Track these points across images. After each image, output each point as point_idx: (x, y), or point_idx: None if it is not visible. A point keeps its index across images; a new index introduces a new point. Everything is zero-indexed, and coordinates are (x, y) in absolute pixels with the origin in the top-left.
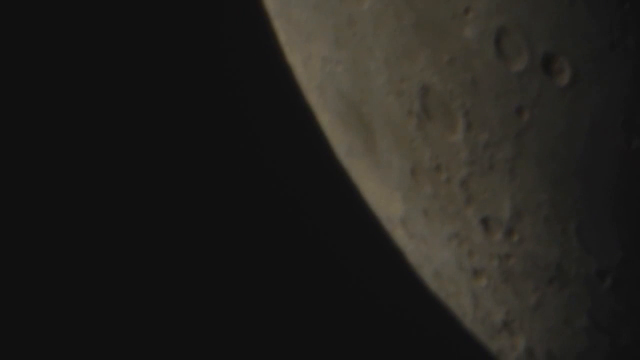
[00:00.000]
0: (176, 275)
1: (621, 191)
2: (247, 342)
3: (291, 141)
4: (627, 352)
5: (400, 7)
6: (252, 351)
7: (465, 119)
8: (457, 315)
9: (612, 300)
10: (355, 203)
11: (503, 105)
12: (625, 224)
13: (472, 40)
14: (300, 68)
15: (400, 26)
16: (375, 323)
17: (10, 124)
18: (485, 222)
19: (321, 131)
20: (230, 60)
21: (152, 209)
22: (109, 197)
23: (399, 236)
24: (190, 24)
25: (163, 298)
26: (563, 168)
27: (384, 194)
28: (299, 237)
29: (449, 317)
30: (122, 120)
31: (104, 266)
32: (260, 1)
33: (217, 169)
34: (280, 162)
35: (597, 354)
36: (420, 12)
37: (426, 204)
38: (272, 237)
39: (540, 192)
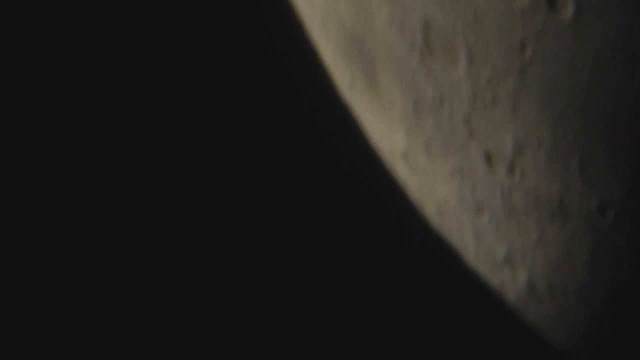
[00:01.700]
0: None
1: (624, 127)
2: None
3: (293, 74)
4: (628, 287)
5: None
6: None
7: (467, 54)
8: (459, 251)
9: (613, 235)
10: (356, 137)
11: (506, 41)
12: (628, 160)
13: None
14: (303, 2)
15: None
16: (376, 259)
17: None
18: (487, 157)
19: (323, 65)
20: None
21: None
22: (108, 196)
23: (401, 171)
24: None
25: (162, 294)
26: (566, 103)
27: (385, 128)
28: (298, 172)
29: (451, 252)
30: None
31: (99, 265)
32: None
33: (219, 103)
34: (283, 95)
35: (597, 289)
36: None
37: (428, 139)
38: (270, 171)
39: (543, 127)
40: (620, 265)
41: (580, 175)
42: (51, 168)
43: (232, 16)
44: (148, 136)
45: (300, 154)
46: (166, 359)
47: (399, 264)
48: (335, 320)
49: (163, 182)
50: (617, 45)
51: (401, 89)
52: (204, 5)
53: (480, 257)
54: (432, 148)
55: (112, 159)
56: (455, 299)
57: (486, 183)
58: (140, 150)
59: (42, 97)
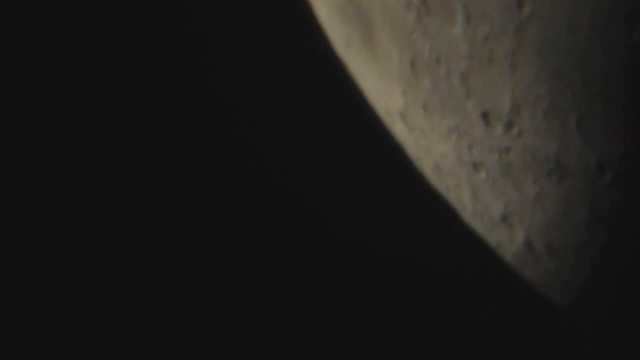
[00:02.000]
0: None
1: (621, 84)
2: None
3: (289, 33)
4: (625, 244)
5: None
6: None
7: (464, 11)
8: (457, 208)
9: (611, 192)
10: (353, 96)
11: None
12: (626, 117)
13: None
14: None
15: None
16: (373, 216)
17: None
18: (485, 116)
19: (319, 24)
20: None
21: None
22: (115, 195)
23: (399, 130)
24: None
25: (162, 290)
26: (563, 61)
27: (383, 87)
28: (294, 132)
29: (448, 210)
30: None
31: (97, 265)
32: None
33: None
34: (279, 54)
35: (595, 246)
36: None
37: (426, 97)
38: (266, 132)
39: (540, 85)
40: (618, 222)
41: (579, 133)
42: (54, 168)
43: None
44: (150, 130)
45: (296, 114)
46: (168, 357)
47: (397, 222)
48: (334, 273)
49: (164, 169)
50: (614, 2)
51: (398, 47)
52: None
53: (478, 215)
54: (429, 107)
55: (118, 158)
56: (452, 256)
57: (483, 141)
58: (147, 146)
59: (45, 97)
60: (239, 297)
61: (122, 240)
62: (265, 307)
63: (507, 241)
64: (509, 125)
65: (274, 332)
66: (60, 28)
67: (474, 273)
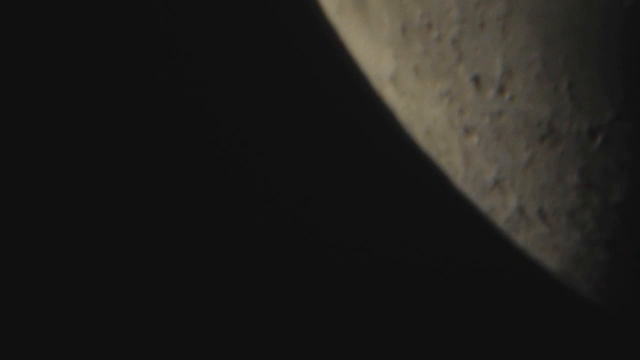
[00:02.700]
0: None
1: (613, 48)
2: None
3: (281, 0)
4: (618, 209)
5: None
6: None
7: None
8: (448, 174)
9: (603, 157)
10: (344, 61)
11: None
12: (618, 82)
13: None
14: None
15: None
16: (364, 181)
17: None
18: (476, 80)
19: None
20: None
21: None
22: (107, 196)
23: (389, 94)
24: None
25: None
26: (555, 25)
27: (374, 51)
28: (286, 98)
29: (439, 175)
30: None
31: (97, 265)
32: None
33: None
34: (270, 21)
35: (588, 211)
36: None
37: (417, 61)
38: (260, 93)
39: (532, 50)
40: (610, 187)
41: (570, 98)
42: (49, 168)
43: None
44: (145, 133)
45: (286, 80)
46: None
47: (389, 189)
48: (323, 244)
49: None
50: None
51: (389, 12)
52: None
53: (470, 180)
54: (420, 71)
55: (115, 158)
56: (444, 222)
57: (475, 106)
58: (142, 146)
59: (39, 97)
60: (237, 297)
61: (118, 240)
62: (263, 303)
63: (499, 206)
64: (500, 90)
65: (273, 332)
66: (51, 28)
67: (466, 238)
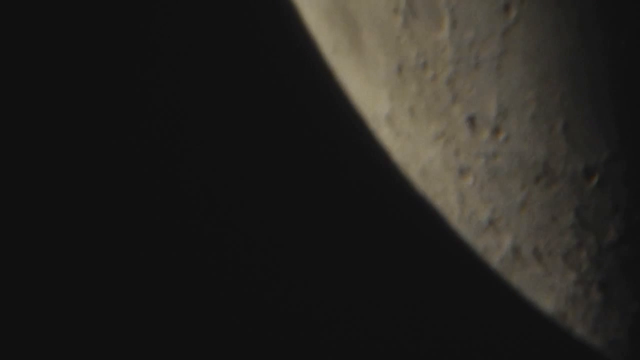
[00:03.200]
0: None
1: (609, 88)
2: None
3: (276, 39)
4: (613, 249)
5: None
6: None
7: (451, 16)
8: (444, 214)
9: (598, 197)
10: (340, 101)
11: (490, 2)
12: (613, 122)
13: None
14: None
15: None
16: (360, 222)
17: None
18: (471, 121)
19: (307, 29)
20: None
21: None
22: (103, 196)
23: (385, 135)
24: None
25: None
26: (551, 65)
27: (369, 92)
28: (284, 136)
29: (435, 215)
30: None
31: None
32: None
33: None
34: (266, 60)
35: (583, 252)
36: None
37: (412, 102)
38: (255, 133)
39: (527, 90)
40: (606, 227)
41: (566, 138)
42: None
43: None
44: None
45: (282, 119)
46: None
47: (384, 230)
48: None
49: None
50: (601, 7)
51: (385, 52)
52: None
53: (465, 220)
54: (416, 112)
55: (114, 158)
56: (439, 261)
57: (470, 146)
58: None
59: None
60: (236, 297)
61: (111, 240)
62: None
63: (494, 246)
64: (495, 130)
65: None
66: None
67: (461, 278)
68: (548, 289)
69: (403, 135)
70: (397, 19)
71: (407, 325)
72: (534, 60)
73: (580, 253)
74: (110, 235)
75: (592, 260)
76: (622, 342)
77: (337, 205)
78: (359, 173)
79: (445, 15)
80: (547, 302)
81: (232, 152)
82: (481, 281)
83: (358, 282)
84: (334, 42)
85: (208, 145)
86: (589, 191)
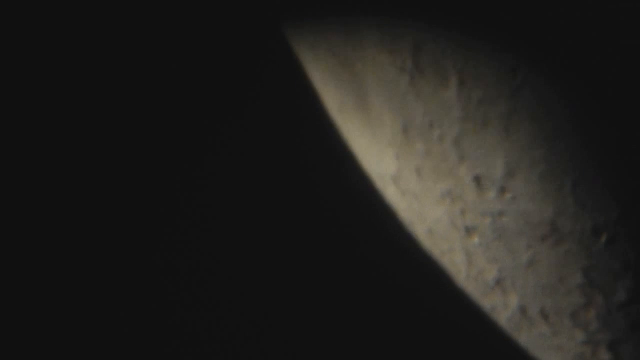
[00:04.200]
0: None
1: (618, 147)
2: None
3: (282, 98)
4: (622, 309)
5: None
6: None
7: (458, 75)
8: (451, 273)
9: (607, 257)
10: (346, 160)
11: (498, 64)
12: (622, 181)
13: None
14: (290, 28)
15: None
16: (367, 282)
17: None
18: (477, 180)
19: (313, 88)
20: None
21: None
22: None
23: (392, 194)
24: None
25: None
26: (559, 124)
27: (376, 150)
28: (289, 196)
29: (442, 274)
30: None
31: (98, 266)
32: None
33: (210, 123)
34: (271, 120)
35: (591, 311)
36: None
37: (419, 161)
38: (261, 190)
39: (536, 149)
40: (614, 287)
41: (574, 197)
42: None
43: (221, 42)
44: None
45: (289, 179)
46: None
47: (392, 289)
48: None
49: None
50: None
51: (391, 111)
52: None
53: (472, 279)
54: (422, 171)
55: (115, 158)
56: (446, 321)
57: (476, 206)
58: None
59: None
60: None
61: (116, 240)
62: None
63: (501, 306)
64: (502, 190)
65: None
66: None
67: (469, 337)
68: (556, 348)
69: (409, 194)
70: (404, 77)
71: None
72: (543, 120)
73: (588, 313)
74: (110, 235)
75: (600, 320)
76: None
77: (342, 265)
78: (365, 232)
79: (452, 74)
80: None
81: (238, 211)
82: (489, 340)
83: (367, 342)
84: (340, 101)
85: (217, 202)
86: (597, 250)
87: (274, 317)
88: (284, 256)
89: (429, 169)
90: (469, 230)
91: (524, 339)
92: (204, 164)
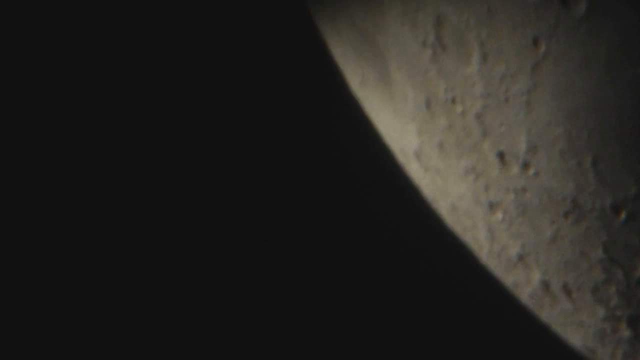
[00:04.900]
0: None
1: (637, 124)
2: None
3: (304, 73)
4: None
5: None
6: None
7: (480, 50)
8: (473, 249)
9: (627, 232)
10: (368, 135)
11: (519, 36)
12: None
13: None
14: (312, 1)
15: None
16: (390, 257)
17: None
18: (501, 156)
19: (334, 62)
20: None
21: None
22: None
23: (414, 169)
24: None
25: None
26: (579, 100)
27: (398, 126)
28: (311, 171)
29: (464, 251)
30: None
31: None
32: None
33: (228, 103)
34: (293, 94)
35: (612, 287)
36: None
37: (441, 137)
38: (284, 167)
39: (556, 126)
40: (634, 262)
41: (594, 174)
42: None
43: (241, 15)
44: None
45: (311, 152)
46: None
47: (414, 265)
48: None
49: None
50: (630, 40)
51: (413, 86)
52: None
53: (494, 255)
54: (445, 146)
55: (117, 159)
56: (469, 296)
57: (499, 182)
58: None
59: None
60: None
61: (118, 240)
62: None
63: (524, 282)
64: (525, 166)
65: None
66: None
67: (491, 313)
68: (577, 325)
69: (432, 170)
70: (426, 52)
71: (435, 358)
72: (563, 96)
73: (609, 288)
74: (111, 235)
75: (620, 295)
76: None
77: (365, 241)
78: (387, 208)
79: (474, 49)
80: (575, 338)
81: (257, 181)
82: (511, 316)
83: (386, 316)
84: (362, 76)
85: (239, 174)
86: (617, 226)
87: (297, 289)
88: (305, 231)
89: (451, 144)
90: (493, 206)
91: (546, 315)
92: (224, 140)
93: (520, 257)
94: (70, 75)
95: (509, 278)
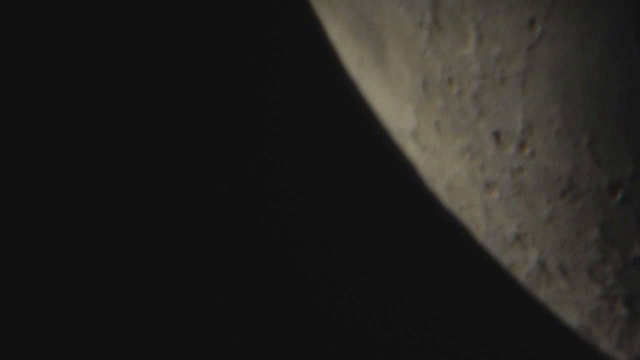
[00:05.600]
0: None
1: (634, 104)
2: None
3: (301, 53)
4: (638, 264)
5: None
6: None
7: (476, 31)
8: (470, 229)
9: (623, 212)
10: (366, 115)
11: (515, 17)
12: (638, 137)
13: None
14: None
15: None
16: (387, 237)
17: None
18: (497, 136)
19: (331, 43)
20: None
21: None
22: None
23: (411, 149)
24: None
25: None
26: (575, 81)
27: (395, 106)
28: (308, 152)
29: (461, 230)
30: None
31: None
32: None
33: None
34: (290, 75)
35: (608, 266)
36: None
37: (438, 117)
38: (279, 151)
39: (552, 106)
40: (630, 242)
41: (590, 154)
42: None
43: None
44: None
45: (309, 133)
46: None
47: (410, 244)
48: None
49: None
50: (627, 21)
51: (410, 67)
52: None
53: (491, 234)
54: (441, 126)
55: (118, 159)
56: (465, 276)
57: (496, 161)
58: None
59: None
60: (238, 300)
61: (120, 240)
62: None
63: (520, 261)
64: (521, 145)
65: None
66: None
67: (487, 293)
68: (573, 303)
69: (429, 149)
70: (423, 33)
71: (432, 338)
72: (559, 76)
73: (605, 267)
74: (111, 235)
75: (616, 274)
76: None
77: (362, 221)
78: (384, 187)
79: (471, 30)
80: (572, 316)
81: (257, 165)
82: (507, 296)
83: (383, 296)
84: (359, 56)
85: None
86: (613, 206)
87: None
88: (305, 211)
89: (448, 124)
90: (489, 185)
91: (542, 294)
92: (222, 124)
93: (517, 237)
94: (69, 75)
95: (505, 258)
